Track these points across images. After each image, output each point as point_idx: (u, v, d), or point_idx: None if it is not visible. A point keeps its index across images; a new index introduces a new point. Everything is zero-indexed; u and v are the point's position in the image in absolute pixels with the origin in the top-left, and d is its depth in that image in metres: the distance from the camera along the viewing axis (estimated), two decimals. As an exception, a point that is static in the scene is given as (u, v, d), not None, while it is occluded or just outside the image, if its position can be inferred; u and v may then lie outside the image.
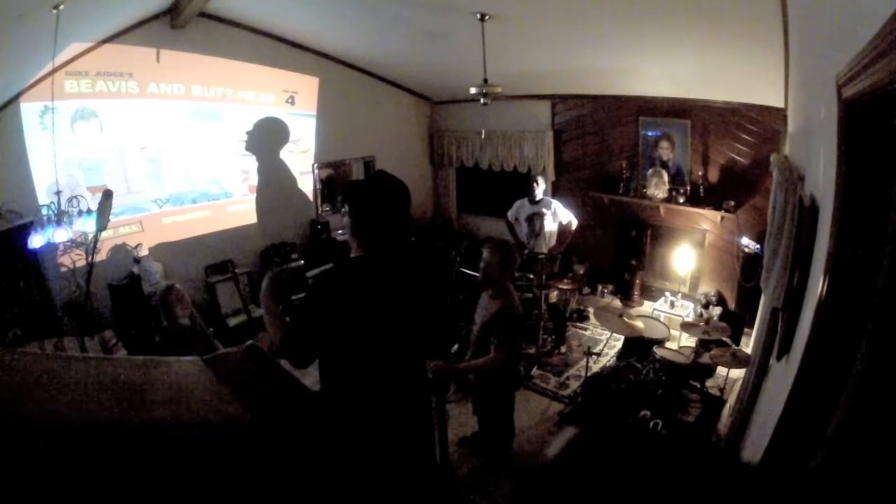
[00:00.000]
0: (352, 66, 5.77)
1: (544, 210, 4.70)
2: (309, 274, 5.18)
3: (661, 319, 4.56)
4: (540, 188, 4.69)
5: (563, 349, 4.63)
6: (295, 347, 1.59)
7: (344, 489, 1.58)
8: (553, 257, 4.70)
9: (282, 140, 5.32)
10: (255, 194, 5.22)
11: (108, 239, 4.09)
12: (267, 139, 5.17)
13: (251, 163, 5.13)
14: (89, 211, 3.35)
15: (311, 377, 1.91)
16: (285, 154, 5.42)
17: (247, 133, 5.01)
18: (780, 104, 3.56)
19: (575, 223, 4.78)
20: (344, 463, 1.59)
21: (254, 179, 5.19)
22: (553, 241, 4.75)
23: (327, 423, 1.61)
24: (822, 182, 1.64)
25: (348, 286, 1.57)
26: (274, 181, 5.33)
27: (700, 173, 4.86)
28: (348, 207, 1.66)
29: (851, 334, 1.20)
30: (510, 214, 4.96)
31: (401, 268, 1.65)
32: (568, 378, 4.20)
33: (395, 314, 1.61)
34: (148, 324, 4.00)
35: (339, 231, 5.68)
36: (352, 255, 1.66)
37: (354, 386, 1.61)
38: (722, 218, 4.68)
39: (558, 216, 4.73)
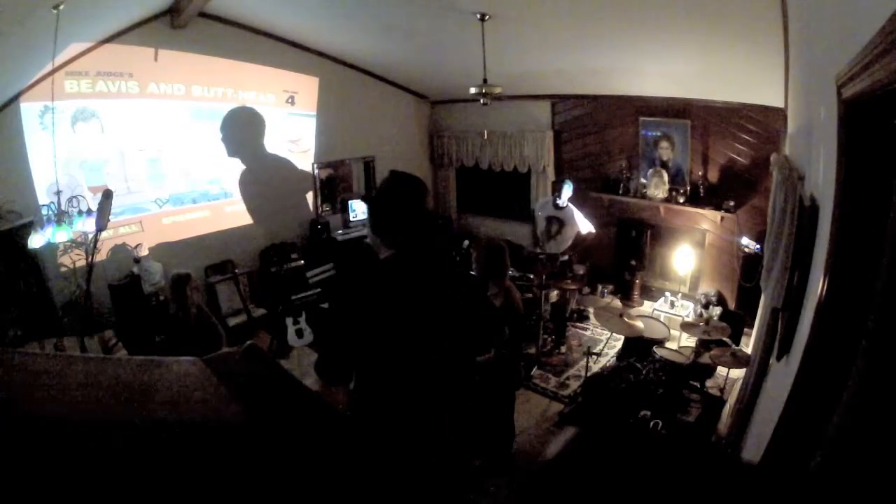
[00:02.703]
0: (352, 66, 5.77)
1: (564, 219, 4.77)
2: (310, 274, 5.19)
3: (661, 319, 4.55)
4: (564, 196, 4.71)
5: (563, 349, 4.63)
6: (334, 366, 1.56)
7: (351, 490, 1.57)
8: (554, 257, 4.71)
9: (261, 130, 5.13)
10: (253, 194, 5.22)
11: (108, 239, 4.09)
12: (244, 132, 5.02)
13: (250, 162, 5.13)
14: (89, 211, 3.35)
15: (311, 377, 1.91)
16: (285, 154, 5.42)
17: (221, 130, 4.84)
18: (780, 104, 3.56)
19: (593, 232, 4.84)
20: (374, 464, 1.56)
21: (252, 179, 5.18)
22: (566, 246, 4.82)
23: (360, 427, 1.58)
24: (822, 182, 1.64)
25: (378, 287, 1.54)
26: (273, 180, 5.33)
27: (700, 173, 4.86)
28: (367, 209, 1.66)
29: (851, 334, 1.20)
30: (536, 207, 5.08)
31: (431, 265, 1.63)
32: (568, 378, 4.20)
33: (429, 313, 1.57)
34: (148, 324, 4.00)
35: (339, 231, 5.68)
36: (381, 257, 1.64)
37: (392, 390, 1.56)
38: (722, 218, 4.68)
39: (576, 227, 4.78)
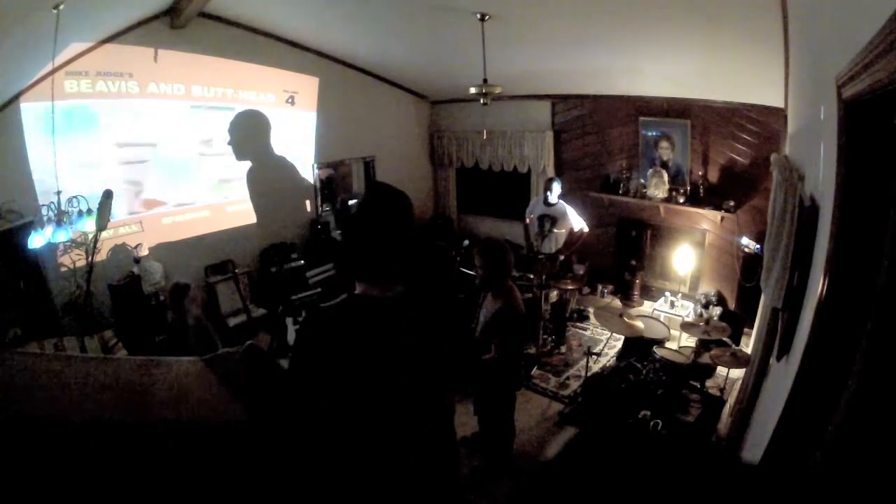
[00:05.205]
0: (352, 66, 5.77)
1: (556, 215, 4.77)
2: (310, 274, 5.16)
3: (661, 319, 4.55)
4: (555, 192, 4.76)
5: (563, 349, 4.63)
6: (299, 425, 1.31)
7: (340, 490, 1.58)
8: (553, 257, 4.71)
9: (267, 132, 5.17)
10: (254, 193, 5.21)
11: (108, 239, 4.09)
12: (251, 135, 5.04)
13: (250, 162, 5.12)
14: (89, 211, 3.35)
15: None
16: (285, 154, 5.41)
17: (228, 133, 4.87)
18: (780, 104, 3.56)
19: (586, 230, 4.83)
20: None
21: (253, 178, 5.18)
22: (560, 244, 4.81)
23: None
24: (822, 182, 1.64)
25: (344, 331, 1.26)
26: (273, 179, 5.32)
27: (700, 173, 4.86)
28: (341, 233, 1.47)
29: (851, 334, 1.20)
30: (527, 212, 5.06)
31: (409, 305, 1.33)
32: (568, 378, 4.20)
33: (400, 363, 1.27)
34: (148, 324, 4.00)
35: (339, 231, 5.68)
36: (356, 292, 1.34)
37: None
38: (722, 218, 4.68)
39: (569, 223, 4.78)
